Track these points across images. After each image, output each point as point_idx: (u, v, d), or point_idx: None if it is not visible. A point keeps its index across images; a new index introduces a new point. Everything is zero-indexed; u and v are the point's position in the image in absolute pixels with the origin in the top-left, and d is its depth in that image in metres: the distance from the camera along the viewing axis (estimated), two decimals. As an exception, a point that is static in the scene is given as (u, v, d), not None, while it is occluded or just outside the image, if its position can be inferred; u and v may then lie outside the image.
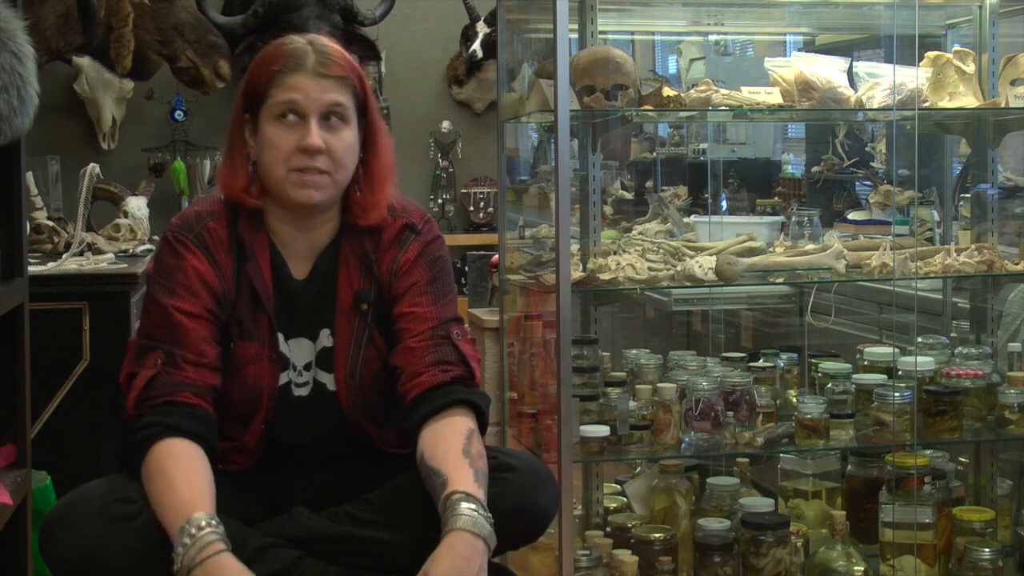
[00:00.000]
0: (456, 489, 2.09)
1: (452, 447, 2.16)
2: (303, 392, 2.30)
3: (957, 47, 3.41)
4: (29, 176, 3.63)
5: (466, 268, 4.33)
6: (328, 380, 2.31)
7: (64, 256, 3.75)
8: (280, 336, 2.29)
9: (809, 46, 4.36)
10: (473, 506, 2.07)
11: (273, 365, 2.28)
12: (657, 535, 3.07)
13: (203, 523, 2.02)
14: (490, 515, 2.09)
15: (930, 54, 3.33)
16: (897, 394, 3.12)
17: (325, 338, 2.32)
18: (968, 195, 3.64)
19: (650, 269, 3.11)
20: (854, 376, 3.29)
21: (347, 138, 2.25)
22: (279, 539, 2.20)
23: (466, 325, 2.38)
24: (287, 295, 2.30)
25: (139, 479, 2.15)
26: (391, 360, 2.29)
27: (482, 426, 2.27)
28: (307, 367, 2.31)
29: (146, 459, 2.14)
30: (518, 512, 2.19)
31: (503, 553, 2.38)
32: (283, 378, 2.29)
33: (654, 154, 5.57)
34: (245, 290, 2.28)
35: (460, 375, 2.26)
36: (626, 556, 3.03)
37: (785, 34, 4.52)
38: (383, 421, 2.33)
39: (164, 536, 2.06)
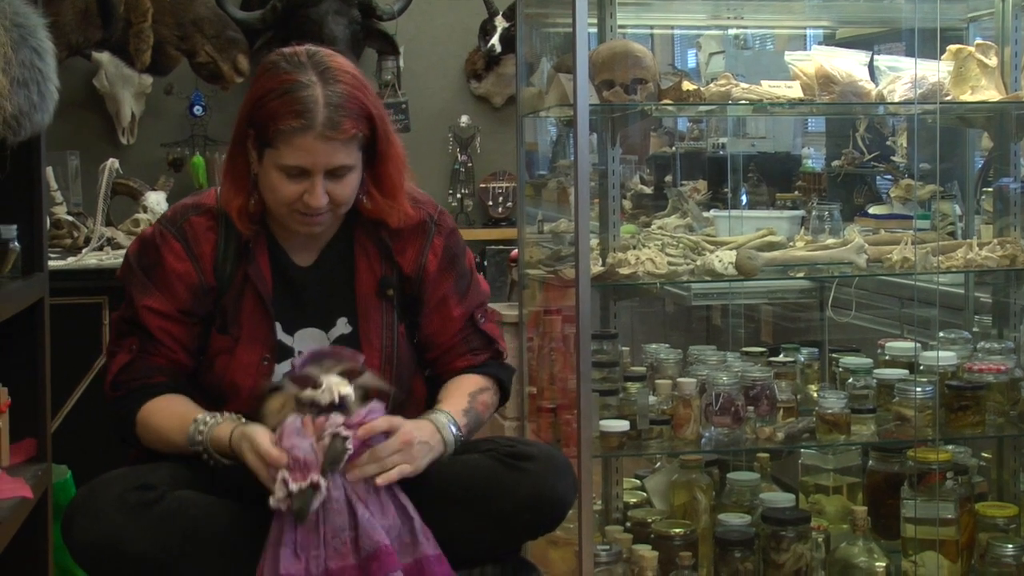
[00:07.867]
0: (442, 408, 2.27)
1: (462, 388, 2.34)
2: None
3: (979, 40, 3.39)
4: (49, 171, 3.64)
5: (485, 263, 4.32)
6: None
7: (84, 251, 3.76)
8: (278, 325, 2.29)
9: (829, 40, 4.32)
10: (448, 419, 2.24)
11: (266, 366, 2.27)
12: (677, 530, 3.07)
13: (207, 417, 2.18)
14: (461, 434, 2.25)
15: (952, 47, 3.31)
16: (919, 389, 3.10)
17: (342, 326, 2.32)
18: (990, 189, 3.62)
19: (670, 263, 3.10)
20: (875, 371, 3.26)
21: (351, 182, 2.23)
22: None
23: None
24: (290, 286, 2.31)
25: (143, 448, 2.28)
26: (426, 355, 2.42)
27: (503, 395, 2.43)
28: None
29: (137, 429, 2.26)
30: (536, 500, 2.21)
31: (522, 544, 2.38)
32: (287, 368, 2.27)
33: (673, 148, 5.55)
34: (237, 287, 2.28)
35: (489, 357, 2.44)
36: (646, 551, 3.02)
37: (805, 28, 4.48)
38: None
39: (184, 523, 2.10)
